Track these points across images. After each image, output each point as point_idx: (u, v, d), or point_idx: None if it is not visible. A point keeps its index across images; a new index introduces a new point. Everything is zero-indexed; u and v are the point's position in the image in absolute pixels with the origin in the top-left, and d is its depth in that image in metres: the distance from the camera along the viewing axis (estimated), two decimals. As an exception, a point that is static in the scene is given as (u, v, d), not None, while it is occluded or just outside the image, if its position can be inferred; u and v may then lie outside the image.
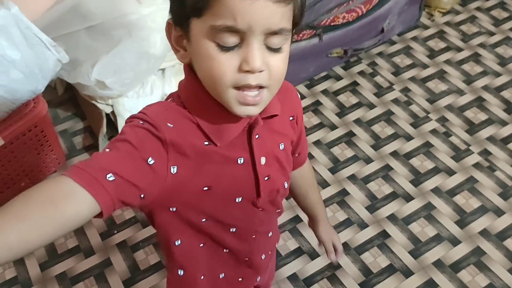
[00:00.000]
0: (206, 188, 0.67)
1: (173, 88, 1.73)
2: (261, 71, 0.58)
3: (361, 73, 2.03)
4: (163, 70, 1.75)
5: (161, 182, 0.61)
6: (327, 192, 1.63)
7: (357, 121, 1.84)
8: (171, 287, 0.85)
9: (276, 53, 0.59)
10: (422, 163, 1.70)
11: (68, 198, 0.52)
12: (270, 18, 0.56)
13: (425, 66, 2.04)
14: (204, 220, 0.72)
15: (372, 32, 2.03)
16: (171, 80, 1.73)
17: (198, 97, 0.64)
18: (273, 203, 0.78)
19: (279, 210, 0.82)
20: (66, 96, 1.97)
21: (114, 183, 0.55)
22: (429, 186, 1.64)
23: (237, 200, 0.72)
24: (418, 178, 1.66)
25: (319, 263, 1.46)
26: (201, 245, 0.76)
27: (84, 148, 1.81)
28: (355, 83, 1.99)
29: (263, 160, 0.70)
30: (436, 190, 1.63)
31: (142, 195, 0.59)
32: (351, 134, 1.80)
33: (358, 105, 1.90)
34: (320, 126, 1.84)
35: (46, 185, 0.53)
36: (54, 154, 1.70)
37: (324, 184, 1.65)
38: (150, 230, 1.53)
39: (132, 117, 0.63)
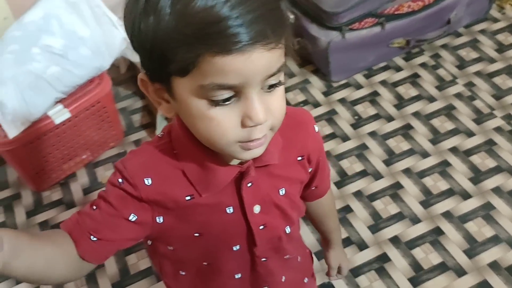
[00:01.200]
0: (197, 234, 0.66)
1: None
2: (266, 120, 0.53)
3: (423, 65, 1.96)
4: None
5: (148, 229, 0.64)
6: (380, 184, 1.60)
7: (416, 114, 1.79)
8: None
9: (274, 89, 0.53)
10: (483, 161, 1.63)
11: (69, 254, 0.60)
12: (267, 65, 0.50)
13: (492, 61, 1.94)
14: (205, 264, 0.71)
15: (437, 23, 1.96)
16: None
17: (187, 145, 0.60)
18: (277, 251, 0.73)
19: (287, 256, 0.76)
20: (127, 75, 2.04)
21: (98, 243, 0.61)
22: (489, 185, 1.57)
23: (234, 248, 0.69)
24: (478, 176, 1.60)
25: (368, 254, 1.44)
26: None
27: (142, 126, 1.87)
28: (415, 75, 1.93)
29: (257, 209, 0.66)
30: (497, 190, 1.55)
31: (131, 241, 0.64)
32: (408, 127, 1.75)
33: (417, 98, 1.85)
34: (376, 117, 1.80)
35: (53, 236, 0.60)
36: (114, 130, 1.76)
37: (377, 175, 1.62)
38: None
39: (116, 168, 0.63)
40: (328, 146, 1.72)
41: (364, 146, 1.71)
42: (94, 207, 0.62)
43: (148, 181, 0.60)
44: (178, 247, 0.68)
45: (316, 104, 1.87)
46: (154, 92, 0.56)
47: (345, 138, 1.74)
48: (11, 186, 1.71)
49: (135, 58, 1.69)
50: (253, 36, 0.47)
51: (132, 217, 0.61)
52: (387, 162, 1.66)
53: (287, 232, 0.72)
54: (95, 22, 1.52)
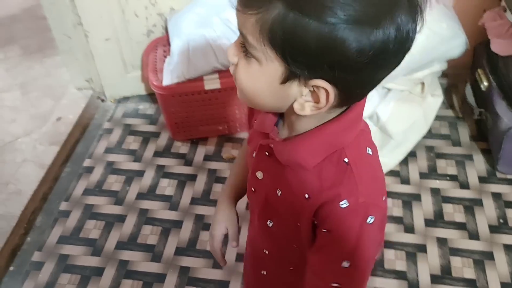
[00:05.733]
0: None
1: (387, 112, 1.62)
2: (233, 64, 0.57)
3: None
4: (388, 90, 1.66)
5: None
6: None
7: None
8: None
9: (246, 61, 0.55)
10: None
11: None
12: (237, 16, 0.53)
13: None
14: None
15: None
16: (390, 103, 1.63)
17: None
18: (260, 222, 0.73)
19: (266, 251, 0.77)
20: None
21: None
22: None
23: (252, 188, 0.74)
24: None
25: None
26: None
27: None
28: None
29: (259, 175, 0.68)
30: None
31: None
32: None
33: None
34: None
35: None
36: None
37: (487, 295, 1.36)
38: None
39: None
40: (452, 235, 1.49)
41: (490, 256, 1.43)
42: None
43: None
44: None
45: (465, 185, 1.63)
46: None
47: (474, 237, 1.48)
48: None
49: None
50: None
51: None
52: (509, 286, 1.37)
53: (268, 224, 0.71)
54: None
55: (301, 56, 0.50)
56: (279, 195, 0.66)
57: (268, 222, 0.72)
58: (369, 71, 0.51)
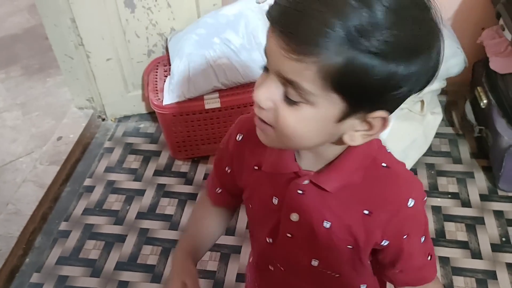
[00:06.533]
0: (250, 206, 0.72)
1: (387, 130, 1.62)
2: (265, 109, 0.53)
3: None
4: (388, 108, 1.66)
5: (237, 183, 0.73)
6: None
7: None
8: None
9: (291, 106, 0.52)
10: None
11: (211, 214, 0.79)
12: (279, 61, 0.49)
13: None
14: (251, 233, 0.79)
15: None
16: (389, 121, 1.63)
17: None
18: (292, 270, 0.72)
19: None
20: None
21: (220, 193, 0.77)
22: None
23: (267, 240, 0.71)
24: None
25: None
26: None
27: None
28: None
29: (294, 217, 0.65)
30: None
31: (237, 190, 0.73)
32: None
33: None
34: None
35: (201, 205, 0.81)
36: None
37: (491, 315, 1.34)
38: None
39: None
40: (454, 254, 1.48)
41: (492, 275, 1.42)
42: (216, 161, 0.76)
43: (239, 137, 0.69)
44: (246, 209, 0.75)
45: (466, 203, 1.62)
46: None
47: (476, 255, 1.47)
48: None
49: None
50: (274, 16, 0.49)
51: (227, 169, 0.73)
52: (511, 308, 1.35)
53: (312, 264, 0.69)
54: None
55: (368, 95, 0.50)
56: (328, 227, 0.64)
57: (313, 262, 0.69)
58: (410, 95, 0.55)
